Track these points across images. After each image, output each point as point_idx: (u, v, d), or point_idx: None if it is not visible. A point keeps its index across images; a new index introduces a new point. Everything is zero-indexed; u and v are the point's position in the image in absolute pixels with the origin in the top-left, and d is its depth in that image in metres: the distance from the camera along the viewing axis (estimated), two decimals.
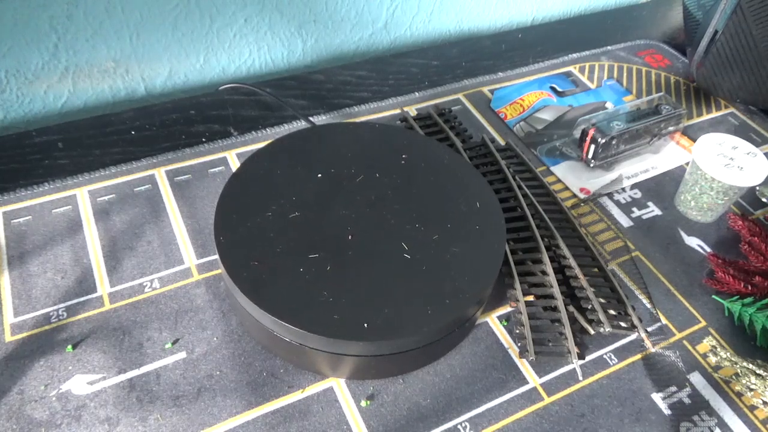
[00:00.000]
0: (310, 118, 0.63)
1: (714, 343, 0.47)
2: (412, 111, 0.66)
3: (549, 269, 0.49)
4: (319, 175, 0.48)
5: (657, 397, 0.44)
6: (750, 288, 0.50)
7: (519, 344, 0.46)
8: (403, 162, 0.50)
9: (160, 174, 0.56)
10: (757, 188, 0.61)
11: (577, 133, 0.62)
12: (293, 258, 0.42)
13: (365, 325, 0.39)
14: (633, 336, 0.47)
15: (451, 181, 0.49)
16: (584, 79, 0.73)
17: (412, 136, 0.53)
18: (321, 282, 0.41)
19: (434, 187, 0.48)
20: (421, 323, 0.40)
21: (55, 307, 0.45)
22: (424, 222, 0.45)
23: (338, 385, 0.43)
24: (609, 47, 0.79)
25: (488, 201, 0.48)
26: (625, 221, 0.57)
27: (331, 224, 0.45)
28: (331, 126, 0.53)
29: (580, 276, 0.49)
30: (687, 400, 0.44)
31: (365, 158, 0.50)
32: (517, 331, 0.46)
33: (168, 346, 0.44)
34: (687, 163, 0.63)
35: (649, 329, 0.48)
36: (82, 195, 0.53)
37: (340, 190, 0.47)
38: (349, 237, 0.44)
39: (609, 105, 0.69)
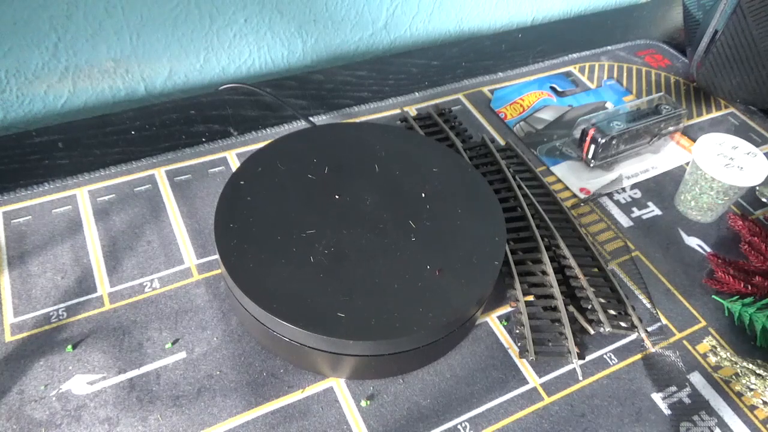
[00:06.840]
0: (310, 118, 0.63)
1: (714, 343, 0.47)
2: (412, 111, 0.66)
3: (549, 269, 0.49)
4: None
5: (657, 397, 0.44)
6: (750, 288, 0.50)
7: (519, 344, 0.46)
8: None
9: (160, 174, 0.56)
10: (757, 188, 0.61)
11: (577, 133, 0.62)
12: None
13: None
14: (633, 336, 0.48)
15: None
16: (584, 79, 0.73)
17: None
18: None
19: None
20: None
21: (55, 307, 0.45)
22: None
23: (338, 385, 0.43)
24: (609, 47, 0.79)
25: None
26: (625, 221, 0.57)
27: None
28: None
29: (580, 276, 0.49)
30: (687, 400, 0.44)
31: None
32: (517, 331, 0.46)
33: (168, 346, 0.44)
34: (687, 163, 0.63)
35: (649, 329, 0.48)
36: (82, 195, 0.53)
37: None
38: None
39: (609, 105, 0.69)
